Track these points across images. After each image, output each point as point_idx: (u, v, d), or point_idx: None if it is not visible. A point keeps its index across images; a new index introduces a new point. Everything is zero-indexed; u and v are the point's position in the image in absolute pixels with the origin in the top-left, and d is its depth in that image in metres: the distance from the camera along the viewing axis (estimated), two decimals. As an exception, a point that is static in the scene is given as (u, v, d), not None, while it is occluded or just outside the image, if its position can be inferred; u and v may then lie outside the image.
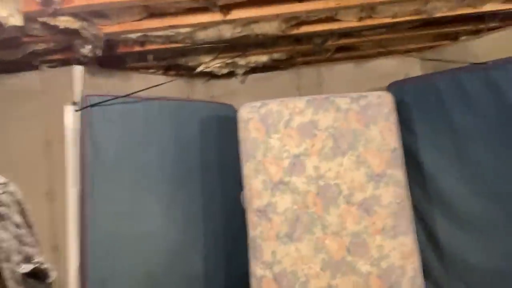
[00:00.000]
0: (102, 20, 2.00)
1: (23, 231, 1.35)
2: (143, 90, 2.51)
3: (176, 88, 2.92)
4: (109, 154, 2.34)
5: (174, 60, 2.72)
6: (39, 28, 1.97)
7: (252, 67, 2.90)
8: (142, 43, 2.39)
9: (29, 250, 1.34)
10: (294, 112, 2.35)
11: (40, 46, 2.24)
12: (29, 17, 1.86)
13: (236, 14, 2.06)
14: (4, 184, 1.35)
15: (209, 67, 2.75)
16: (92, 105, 2.30)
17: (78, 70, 2.40)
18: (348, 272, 2.20)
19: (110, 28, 2.06)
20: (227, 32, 2.28)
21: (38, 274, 1.33)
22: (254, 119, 2.37)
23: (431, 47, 2.82)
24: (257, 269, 2.27)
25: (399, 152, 2.31)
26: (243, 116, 2.39)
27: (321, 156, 2.29)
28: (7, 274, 1.23)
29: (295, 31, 2.33)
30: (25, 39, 2.10)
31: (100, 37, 2.02)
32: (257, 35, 2.33)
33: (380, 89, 2.55)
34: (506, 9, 2.20)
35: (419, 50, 2.86)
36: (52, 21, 1.89)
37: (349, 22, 2.28)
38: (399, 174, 2.27)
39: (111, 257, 2.23)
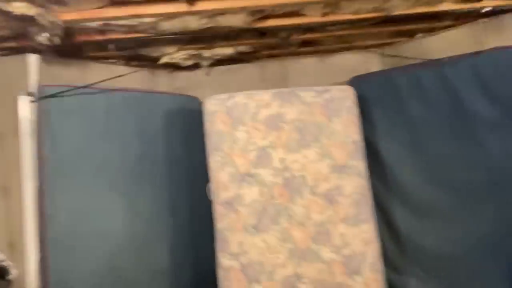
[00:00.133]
0: (61, 7, 1.90)
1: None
2: (104, 80, 2.43)
3: (139, 79, 2.84)
4: (68, 148, 2.26)
5: (137, 50, 2.64)
6: (-9, 13, 1.85)
7: (217, 59, 2.87)
8: (102, 32, 2.30)
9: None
10: (260, 105, 2.38)
11: (-8, 33, 2.10)
12: (-21, 2, 1.74)
13: (202, 5, 2.04)
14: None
15: (173, 59, 2.70)
16: (48, 96, 2.20)
17: (33, 59, 2.28)
18: (313, 260, 2.27)
19: (69, 15, 1.97)
20: (193, 23, 2.25)
21: (-2, 271, 1.27)
22: (220, 112, 2.37)
23: (390, 44, 2.94)
24: (224, 261, 2.29)
25: (361, 144, 2.40)
26: (209, 109, 2.39)
27: (287, 148, 2.34)
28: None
29: (260, 25, 2.34)
30: (-25, 26, 1.97)
31: (58, 24, 1.93)
32: (223, 27, 2.31)
33: (342, 83, 2.64)
34: (459, 8, 2.34)
35: (379, 46, 2.97)
36: (5, 7, 1.77)
37: (313, 17, 2.32)
38: (360, 165, 2.37)
39: (72, 254, 2.17)
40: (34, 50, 2.23)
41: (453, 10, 2.36)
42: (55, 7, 1.91)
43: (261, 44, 2.76)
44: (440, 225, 2.39)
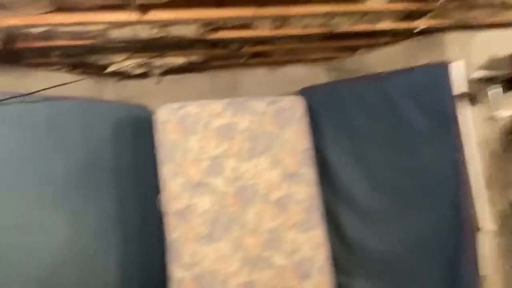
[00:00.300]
0: (2, 11, 1.79)
1: None
2: (46, 89, 2.30)
3: (84, 87, 2.74)
4: (6, 161, 2.11)
5: (83, 58, 2.54)
6: None
7: (167, 69, 2.85)
8: (46, 38, 2.20)
9: None
10: (212, 115, 2.40)
11: None
12: None
13: (153, 15, 2.02)
14: None
15: (122, 67, 2.63)
16: (-17, 104, 2.05)
17: (-32, 65, 2.12)
18: (265, 267, 2.32)
19: (10, 20, 1.86)
20: (143, 32, 2.22)
21: None
22: (172, 121, 2.36)
23: (335, 57, 3.12)
24: (176, 272, 2.27)
25: (310, 153, 2.51)
26: (160, 118, 2.37)
27: (239, 158, 2.38)
28: None
29: (212, 36, 2.36)
30: None
31: (-2, 29, 1.81)
32: (174, 37, 2.31)
33: (291, 93, 2.74)
34: (396, 27, 2.55)
35: (325, 59, 3.13)
36: None
37: (264, 31, 2.39)
38: (310, 173, 2.47)
39: (9, 271, 2.01)
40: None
41: (390, 28, 2.56)
42: (-4, 11, 1.80)
43: (212, 55, 2.79)
44: (382, 228, 2.56)
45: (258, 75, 3.17)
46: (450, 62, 2.41)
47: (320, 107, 2.73)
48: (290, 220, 2.38)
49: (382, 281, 2.54)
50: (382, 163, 2.57)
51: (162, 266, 2.42)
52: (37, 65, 2.54)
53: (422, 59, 2.67)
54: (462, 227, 2.30)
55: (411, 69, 2.54)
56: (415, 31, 2.57)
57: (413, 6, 2.25)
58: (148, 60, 2.64)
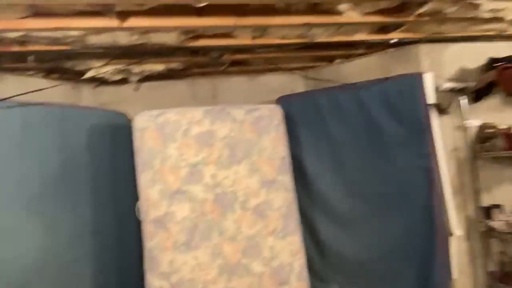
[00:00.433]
0: (-24, 15, 1.76)
1: None
2: (22, 94, 2.26)
3: (60, 93, 2.70)
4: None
5: (59, 63, 2.51)
6: None
7: (146, 75, 2.84)
8: (22, 43, 2.16)
9: None
10: (192, 122, 2.39)
11: None
12: None
13: (133, 22, 2.03)
14: None
15: (100, 73, 2.61)
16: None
17: None
18: (243, 274, 2.32)
19: (-16, 24, 1.83)
20: (123, 38, 2.22)
21: None
22: (150, 128, 2.34)
23: (312, 67, 3.19)
24: (153, 281, 2.24)
25: (288, 160, 2.54)
26: (139, 125, 2.35)
27: (218, 165, 2.38)
28: None
29: (192, 44, 2.39)
30: None
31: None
32: (154, 44, 2.31)
33: (270, 102, 2.78)
34: (371, 39, 2.63)
35: (302, 68, 3.20)
36: None
37: (244, 40, 2.43)
38: (287, 180, 2.50)
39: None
40: None
41: (366, 40, 2.65)
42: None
43: (192, 62, 2.80)
44: (357, 234, 2.61)
45: (238, 83, 3.20)
46: (423, 73, 2.49)
47: (298, 115, 2.77)
48: (268, 227, 2.39)
49: (357, 285, 2.59)
50: (357, 170, 2.63)
51: (139, 275, 2.39)
52: (12, 70, 2.49)
53: (397, 70, 2.77)
54: (434, 231, 2.37)
55: (385, 80, 2.61)
56: (391, 42, 2.66)
57: (387, 19, 2.34)
58: (127, 67, 2.63)
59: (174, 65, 2.78)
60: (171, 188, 2.30)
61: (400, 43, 2.72)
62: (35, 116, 2.29)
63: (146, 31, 2.18)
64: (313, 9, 2.20)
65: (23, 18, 1.89)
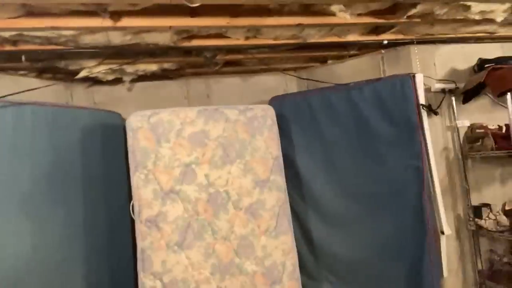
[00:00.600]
0: (-32, 14, 1.76)
1: None
2: (14, 94, 2.25)
3: (53, 93, 2.69)
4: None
5: (52, 63, 2.50)
6: None
7: (140, 75, 2.84)
8: (14, 42, 2.16)
9: None
10: (185, 122, 2.40)
11: None
12: None
13: (127, 22, 2.03)
14: None
15: (93, 73, 2.60)
16: None
17: None
18: (236, 273, 2.33)
19: (-23, 23, 1.82)
20: (116, 38, 2.22)
21: None
22: (144, 128, 2.34)
23: (305, 67, 3.21)
24: (146, 281, 2.23)
25: (280, 160, 2.56)
26: (132, 125, 2.34)
27: (211, 165, 2.39)
28: None
29: (186, 44, 2.39)
30: None
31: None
32: (147, 44, 2.32)
33: (263, 102, 2.80)
34: (363, 40, 2.66)
35: (295, 69, 3.22)
36: None
37: (237, 40, 2.45)
38: (280, 179, 2.51)
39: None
40: None
41: (358, 41, 2.67)
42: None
43: (185, 62, 2.81)
44: (349, 233, 2.63)
45: (231, 83, 3.21)
46: (414, 74, 2.53)
47: (291, 115, 2.79)
48: (261, 227, 2.40)
49: (349, 285, 2.61)
50: (349, 169, 2.65)
51: (131, 275, 2.39)
52: (5, 69, 2.48)
53: (388, 71, 2.81)
54: (425, 230, 2.40)
55: (377, 80, 2.64)
56: (383, 43, 2.69)
57: (379, 21, 2.37)
58: (121, 67, 2.63)
59: (168, 65, 2.78)
60: (164, 188, 2.30)
61: (392, 44, 2.75)
62: (27, 116, 2.27)
63: (140, 31, 2.19)
64: (306, 10, 2.22)
65: (16, 17, 1.88)
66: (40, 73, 2.68)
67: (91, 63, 2.55)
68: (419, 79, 2.52)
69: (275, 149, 2.54)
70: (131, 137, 2.33)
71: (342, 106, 2.70)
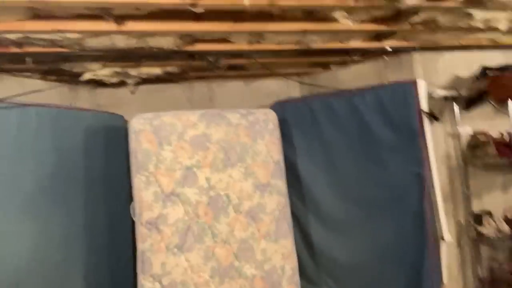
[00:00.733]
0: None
1: None
2: (19, 95, 2.27)
3: (57, 94, 2.72)
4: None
5: (57, 65, 2.53)
6: None
7: (144, 78, 2.87)
8: (20, 45, 2.18)
9: None
10: (187, 125, 2.41)
11: None
12: None
13: (131, 26, 2.05)
14: None
15: (97, 75, 2.63)
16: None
17: None
18: (235, 276, 2.34)
19: (-16, 25, 1.85)
20: (121, 42, 2.24)
21: None
22: (146, 131, 2.36)
23: (308, 73, 3.23)
24: (145, 283, 2.24)
25: (282, 164, 2.57)
26: (134, 127, 2.36)
27: (212, 168, 2.40)
28: None
29: (189, 48, 2.41)
30: None
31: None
32: (151, 48, 2.34)
33: (265, 106, 2.81)
34: (366, 46, 2.67)
35: (298, 74, 3.23)
36: None
37: (240, 45, 2.46)
38: (281, 183, 2.53)
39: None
40: None
41: (360, 47, 2.69)
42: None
43: (189, 66, 2.82)
44: (350, 238, 2.63)
45: (234, 87, 3.23)
46: (416, 81, 2.53)
47: (293, 120, 2.80)
48: (261, 230, 2.41)
49: (347, 290, 2.62)
50: (350, 175, 2.66)
51: (131, 276, 2.40)
52: (10, 71, 2.51)
53: (391, 77, 2.82)
54: (425, 237, 2.40)
55: (380, 86, 2.65)
56: (386, 49, 2.70)
57: (381, 27, 2.38)
58: (125, 69, 2.65)
59: (171, 68, 2.80)
60: (165, 191, 2.31)
61: (395, 51, 2.76)
62: (31, 117, 2.29)
63: (144, 35, 2.21)
64: (309, 16, 2.23)
65: (22, 20, 1.91)
66: (45, 75, 2.71)
67: (95, 65, 2.57)
68: (422, 85, 2.53)
69: (276, 153, 2.55)
70: (133, 139, 2.35)
71: (344, 112, 2.71)
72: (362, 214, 2.60)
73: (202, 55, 2.56)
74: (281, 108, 2.81)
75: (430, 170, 2.46)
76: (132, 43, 2.26)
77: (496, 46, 2.84)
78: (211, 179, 2.39)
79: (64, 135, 2.44)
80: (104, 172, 2.64)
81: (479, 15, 2.29)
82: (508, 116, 2.43)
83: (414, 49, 2.73)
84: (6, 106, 2.19)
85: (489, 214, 2.66)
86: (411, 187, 2.46)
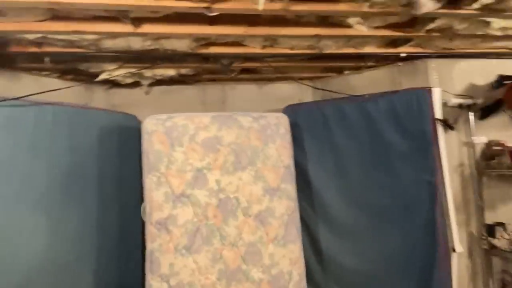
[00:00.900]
0: (-1, 17, 1.84)
1: None
2: (36, 94, 2.32)
3: (73, 94, 2.77)
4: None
5: (74, 65, 2.58)
6: None
7: (158, 79, 2.90)
8: (39, 44, 2.24)
9: None
10: (199, 127, 2.43)
11: None
12: None
13: (147, 28, 2.09)
14: None
15: (113, 76, 2.67)
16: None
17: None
18: (242, 280, 2.34)
19: (4, 25, 1.90)
20: (136, 43, 2.28)
21: None
22: (158, 132, 2.38)
23: (321, 77, 3.21)
24: (153, 283, 2.25)
25: (292, 169, 2.56)
26: (147, 128, 2.39)
27: (223, 170, 2.40)
28: None
29: (203, 51, 2.44)
30: None
31: (-8, 34, 1.85)
32: (166, 50, 2.37)
33: (277, 110, 2.81)
34: (380, 52, 2.66)
35: (311, 79, 3.23)
36: None
37: (254, 48, 2.48)
38: (290, 188, 2.52)
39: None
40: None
41: (374, 53, 2.67)
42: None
43: (203, 68, 2.85)
44: (359, 245, 2.60)
45: (246, 90, 3.24)
46: (431, 88, 2.50)
47: (304, 124, 2.79)
48: (269, 234, 2.41)
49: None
50: (361, 181, 2.63)
51: (139, 276, 2.42)
52: (29, 70, 2.57)
53: (405, 84, 2.79)
54: (436, 247, 2.36)
55: (394, 93, 2.62)
56: (401, 56, 2.68)
57: (397, 34, 2.36)
58: (140, 71, 2.69)
59: (185, 70, 2.83)
60: (175, 192, 2.33)
61: (410, 57, 2.74)
62: (48, 116, 2.33)
63: (159, 37, 2.24)
64: (323, 21, 2.23)
65: (41, 20, 1.96)
66: (62, 74, 2.77)
67: (111, 66, 2.62)
68: (436, 93, 2.49)
69: (287, 158, 2.54)
70: (146, 140, 2.38)
71: (356, 118, 2.69)
72: (371, 222, 2.57)
73: (216, 58, 2.58)
74: (293, 112, 2.80)
75: (442, 179, 2.43)
76: (147, 45, 2.30)
77: (514, 54, 2.79)
78: (221, 182, 2.39)
79: (79, 134, 2.47)
80: (117, 172, 2.67)
81: (496, 23, 2.26)
82: (525, 126, 2.38)
83: (429, 56, 2.70)
84: (24, 104, 2.25)
85: (503, 226, 2.61)
86: (423, 196, 2.43)
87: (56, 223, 2.29)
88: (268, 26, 2.21)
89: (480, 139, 2.70)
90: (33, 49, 2.25)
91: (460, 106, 2.69)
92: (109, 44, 2.26)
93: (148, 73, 2.76)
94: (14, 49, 2.21)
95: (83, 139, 2.51)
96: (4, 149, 2.14)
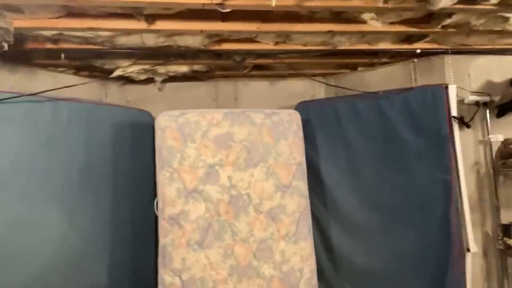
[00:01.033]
0: (16, 14, 1.87)
1: None
2: (52, 90, 2.36)
3: (88, 90, 2.81)
4: (7, 157, 2.12)
5: (89, 61, 2.62)
6: None
7: (171, 76, 2.92)
8: (55, 41, 2.27)
9: None
10: (211, 123, 2.44)
11: None
12: None
13: (160, 25, 2.10)
14: None
15: (127, 72, 2.70)
16: (-11, 102, 2.09)
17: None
18: (253, 276, 2.35)
19: (22, 22, 1.93)
20: (150, 40, 2.30)
21: None
22: (171, 128, 2.40)
23: (334, 74, 3.19)
24: (165, 277, 2.28)
25: (304, 166, 2.55)
26: (160, 124, 2.41)
27: (235, 167, 2.41)
28: None
29: (216, 47, 2.44)
30: None
31: (10, 31, 1.88)
32: (179, 46, 2.38)
33: (290, 107, 2.80)
34: (395, 48, 2.62)
35: (324, 75, 3.20)
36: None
37: (266, 45, 2.47)
38: (302, 185, 2.51)
39: (2, 270, 2.02)
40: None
41: (389, 49, 2.64)
42: (9, 14, 1.87)
43: (215, 65, 2.86)
44: (371, 243, 2.58)
45: (259, 87, 3.24)
46: (447, 85, 2.46)
47: (317, 121, 2.77)
48: (281, 231, 2.41)
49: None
50: (374, 179, 2.61)
51: (152, 270, 2.45)
52: (45, 66, 2.62)
53: (420, 80, 2.75)
54: (450, 246, 2.33)
55: (408, 90, 2.59)
56: (416, 52, 2.63)
57: (412, 29, 2.32)
58: (153, 67, 2.71)
59: (198, 67, 2.85)
60: (188, 187, 2.35)
61: (425, 53, 2.69)
62: (63, 111, 2.37)
63: (172, 33, 2.25)
64: (337, 17, 2.21)
65: (57, 18, 1.99)
66: (77, 70, 2.81)
67: (125, 63, 2.65)
68: (452, 90, 2.45)
69: (299, 155, 2.54)
70: (159, 136, 2.40)
71: (369, 115, 2.66)
72: (384, 220, 2.55)
73: (228, 54, 2.59)
74: (306, 109, 2.79)
75: (458, 178, 2.39)
76: (161, 41, 2.32)
77: (533, 51, 2.72)
78: (233, 178, 2.40)
79: (94, 129, 2.50)
80: (130, 167, 2.69)
81: (516, 19, 2.20)
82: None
83: (446, 52, 2.66)
84: (40, 100, 2.29)
85: (519, 226, 2.56)
86: (437, 195, 2.39)
87: (72, 217, 2.32)
88: (281, 22, 2.20)
89: (497, 137, 2.64)
90: (50, 46, 2.28)
91: (477, 103, 2.64)
92: (123, 41, 2.28)
93: (161, 69, 2.79)
94: (31, 45, 2.25)
95: (98, 134, 2.54)
96: (21, 145, 2.18)
